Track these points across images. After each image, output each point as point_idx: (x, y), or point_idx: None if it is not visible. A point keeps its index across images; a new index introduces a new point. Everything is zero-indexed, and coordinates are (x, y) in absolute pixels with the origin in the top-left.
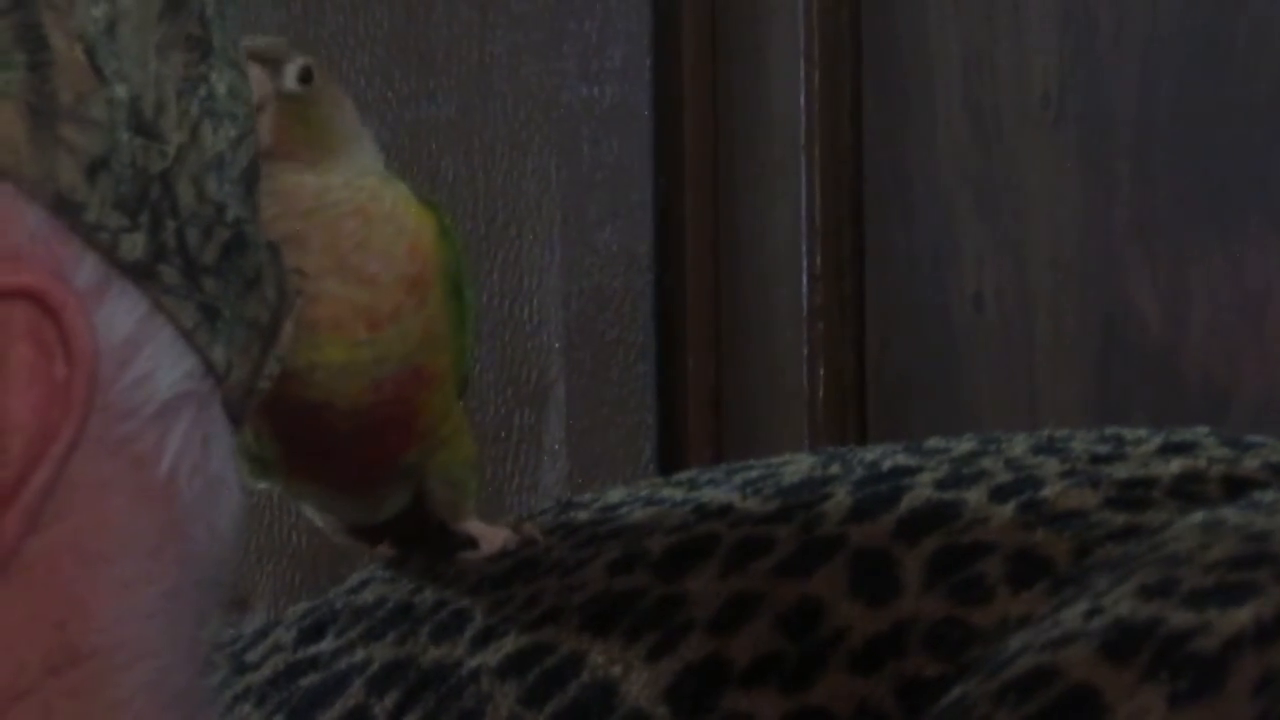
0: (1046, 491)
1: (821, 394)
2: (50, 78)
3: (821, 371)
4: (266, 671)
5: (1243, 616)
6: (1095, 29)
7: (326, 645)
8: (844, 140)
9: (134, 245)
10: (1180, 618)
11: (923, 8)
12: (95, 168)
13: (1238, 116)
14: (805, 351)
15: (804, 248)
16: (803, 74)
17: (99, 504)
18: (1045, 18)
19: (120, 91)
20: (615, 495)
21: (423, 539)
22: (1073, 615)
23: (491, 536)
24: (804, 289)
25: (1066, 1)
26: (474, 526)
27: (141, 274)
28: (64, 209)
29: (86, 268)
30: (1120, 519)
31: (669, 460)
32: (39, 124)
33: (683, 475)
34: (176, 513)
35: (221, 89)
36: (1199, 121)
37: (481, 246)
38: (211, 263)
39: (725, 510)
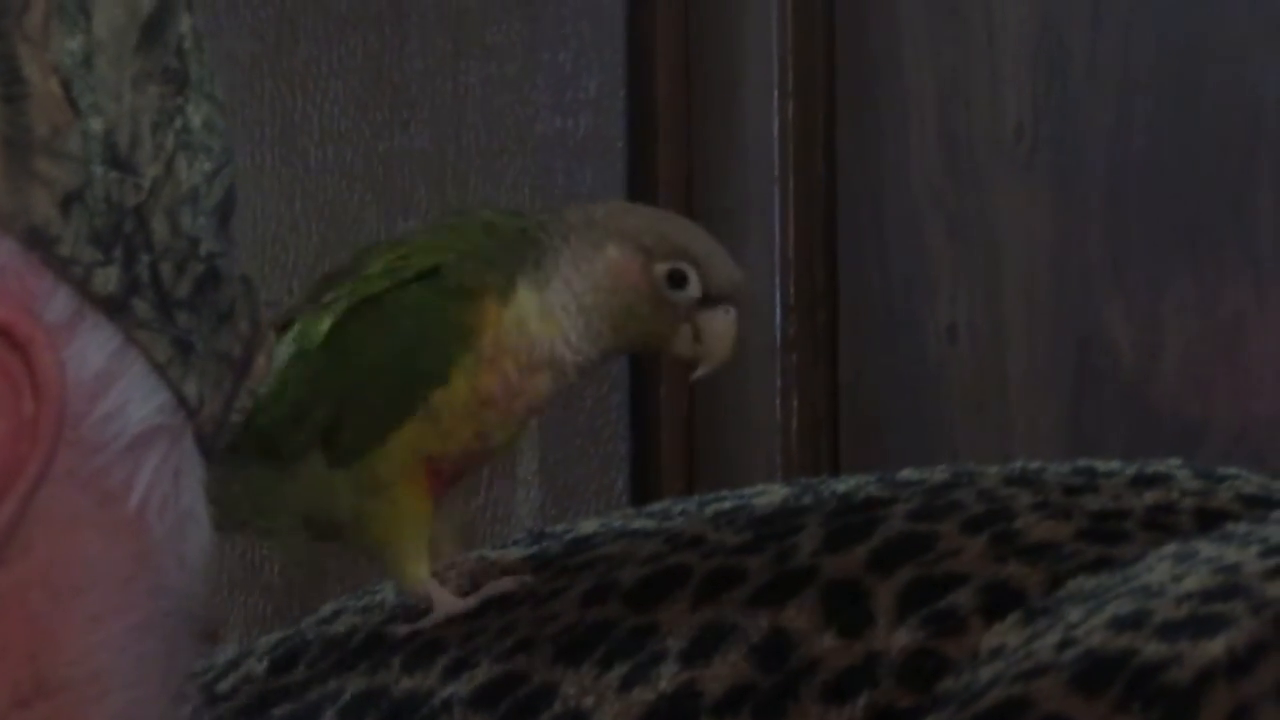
0: (1019, 523)
1: (794, 425)
2: (25, 110)
3: (794, 402)
4: (238, 702)
5: (1215, 648)
6: (1068, 61)
7: (299, 675)
8: (817, 172)
9: (107, 279)
10: (1153, 649)
11: (896, 40)
12: (69, 201)
13: (1210, 148)
14: (778, 383)
15: (777, 279)
16: (776, 106)
17: (69, 537)
18: (1019, 50)
19: (95, 125)
20: (588, 526)
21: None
22: (1045, 646)
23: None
24: (777, 320)
25: (1040, 33)
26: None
27: (115, 308)
28: (37, 242)
29: (59, 302)
30: (1093, 551)
31: (642, 491)
32: (13, 157)
33: (655, 506)
34: (147, 546)
35: (197, 121)
36: (1171, 153)
37: None
38: (185, 297)
39: (698, 541)
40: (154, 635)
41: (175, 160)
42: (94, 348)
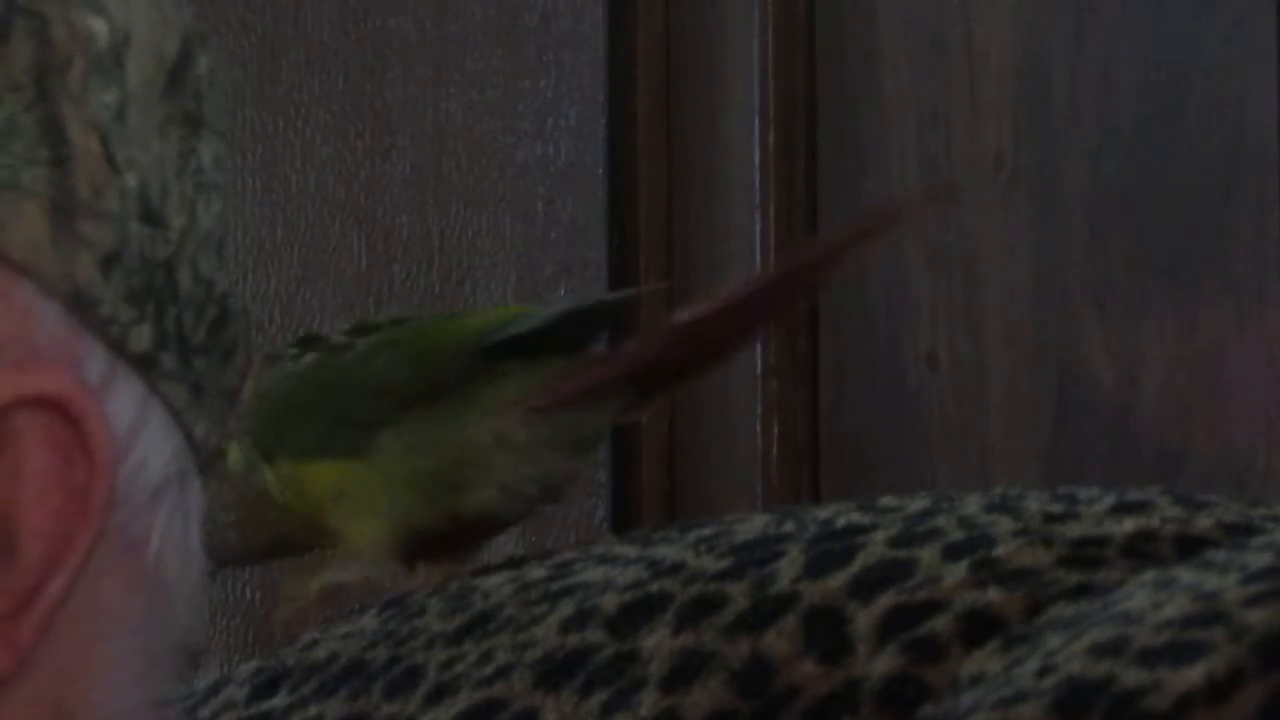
0: (999, 550)
1: (775, 452)
2: (71, 172)
3: (775, 429)
4: None
5: (1194, 675)
6: (1049, 89)
7: (279, 701)
8: (798, 199)
9: (141, 337)
10: (1132, 676)
11: (877, 66)
12: (109, 262)
13: (1190, 177)
14: (759, 409)
15: None
16: (757, 133)
17: (95, 589)
18: (999, 77)
19: (131, 180)
20: (568, 552)
21: None
22: (1025, 673)
23: None
24: (757, 347)
25: (1020, 61)
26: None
27: (145, 363)
28: (80, 305)
29: (96, 362)
30: (1073, 578)
31: (622, 518)
32: (60, 221)
33: (636, 532)
34: (161, 591)
35: (208, 159)
36: (1151, 181)
37: (436, 304)
38: (201, 342)
39: (678, 567)
40: (160, 670)
41: (196, 206)
42: (124, 404)
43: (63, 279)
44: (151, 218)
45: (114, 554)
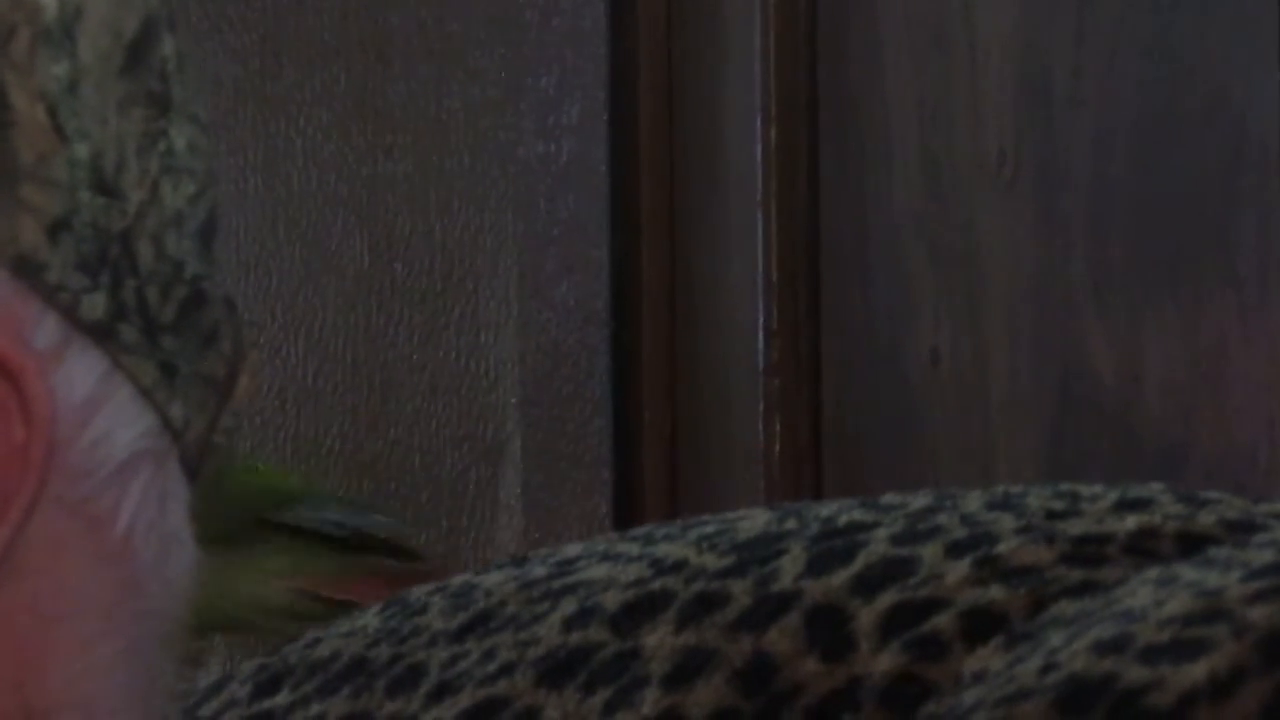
0: (1001, 547)
1: (777, 449)
2: (12, 138)
3: (777, 427)
4: None
5: (1197, 672)
6: (1051, 86)
7: (281, 699)
8: (800, 197)
9: (95, 305)
10: (1135, 673)
11: (879, 64)
12: (57, 228)
13: (1192, 174)
14: (761, 407)
15: (760, 304)
16: (759, 130)
17: (56, 564)
18: (1001, 75)
19: (81, 151)
20: (571, 550)
21: None
22: (1027, 671)
23: None
24: (760, 345)
25: (1022, 59)
26: None
27: (102, 334)
28: (25, 270)
29: (47, 328)
30: (1075, 575)
31: (625, 515)
32: (1, 186)
33: (639, 530)
34: (133, 571)
35: (180, 144)
36: (1154, 179)
37: (438, 302)
38: (170, 320)
39: (681, 565)
40: (139, 659)
41: (160, 184)
42: (81, 373)
43: (6, 242)
44: (104, 189)
45: (76, 527)
